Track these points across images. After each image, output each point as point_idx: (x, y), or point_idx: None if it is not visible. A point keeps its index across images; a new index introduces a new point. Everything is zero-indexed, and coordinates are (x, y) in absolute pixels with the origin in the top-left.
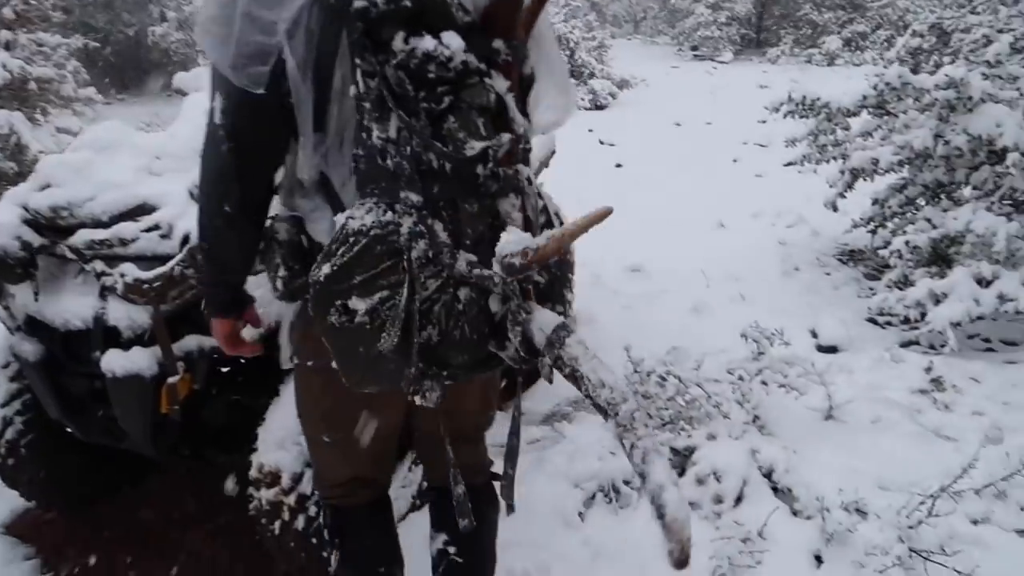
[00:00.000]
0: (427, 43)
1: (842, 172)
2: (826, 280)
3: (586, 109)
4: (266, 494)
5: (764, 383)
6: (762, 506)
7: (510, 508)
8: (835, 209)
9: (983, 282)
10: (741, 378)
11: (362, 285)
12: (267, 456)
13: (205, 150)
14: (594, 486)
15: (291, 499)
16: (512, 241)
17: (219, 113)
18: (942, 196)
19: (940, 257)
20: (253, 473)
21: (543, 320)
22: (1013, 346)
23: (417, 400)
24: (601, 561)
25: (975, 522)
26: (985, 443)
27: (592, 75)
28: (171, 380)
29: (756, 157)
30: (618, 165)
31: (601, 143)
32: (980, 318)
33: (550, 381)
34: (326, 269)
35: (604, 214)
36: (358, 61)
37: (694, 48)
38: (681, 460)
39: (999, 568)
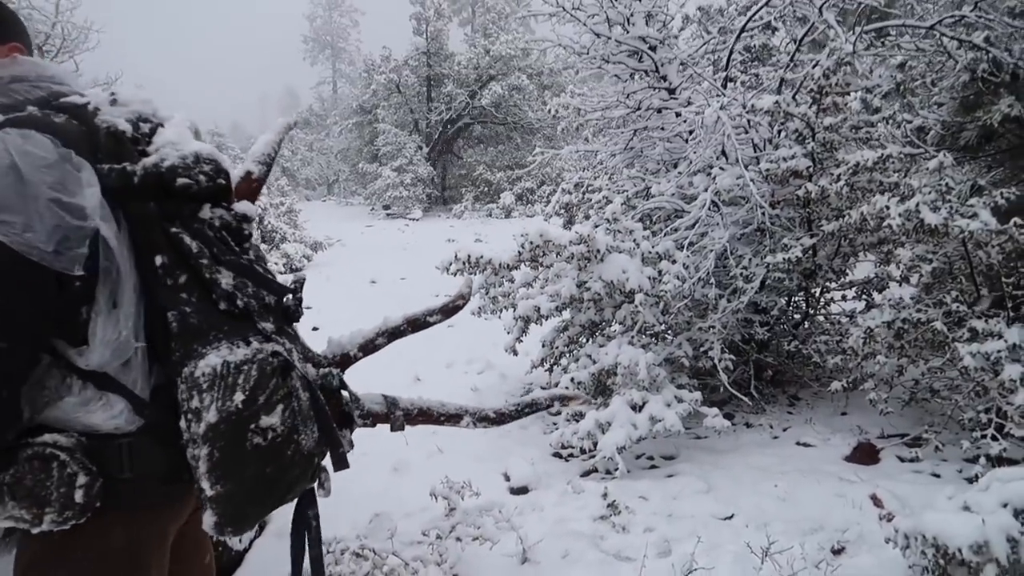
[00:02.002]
0: (224, 211)
1: (515, 320)
2: (516, 422)
3: (280, 274)
4: None
5: (459, 539)
6: None
7: None
8: (515, 353)
9: (636, 407)
10: (439, 536)
11: (265, 405)
12: None
13: None
14: None
15: None
16: (345, 338)
17: None
18: (597, 333)
19: (604, 388)
20: None
21: (370, 398)
22: (671, 460)
23: (329, 473)
24: None
25: None
26: (652, 559)
27: (284, 239)
28: None
29: None
30: (315, 328)
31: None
32: (642, 439)
33: (403, 428)
34: (239, 397)
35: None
36: (175, 229)
37: (386, 207)
38: None
39: None
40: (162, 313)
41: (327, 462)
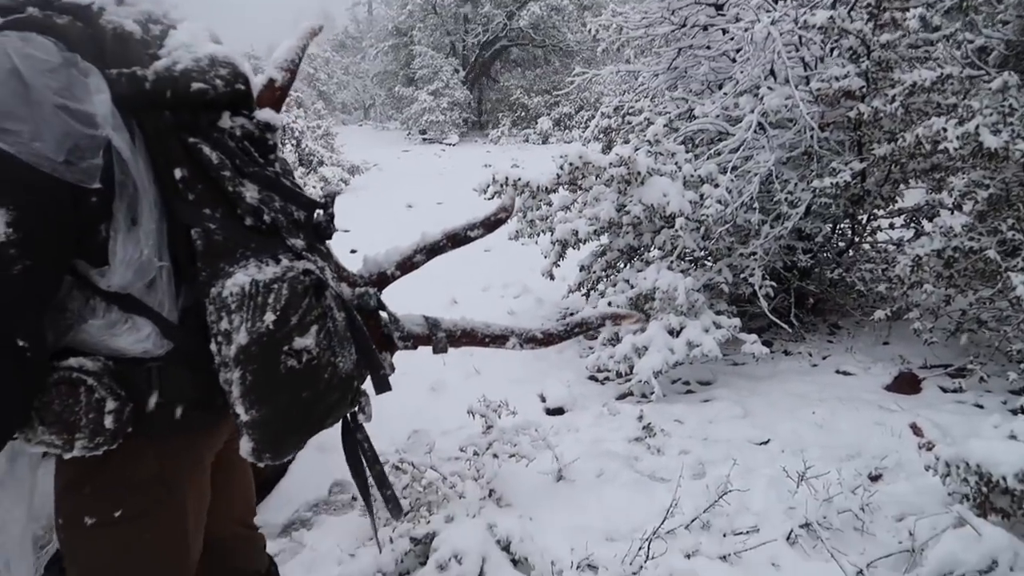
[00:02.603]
0: (245, 120)
1: (552, 244)
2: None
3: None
4: None
5: (496, 456)
6: None
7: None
8: (552, 278)
9: (674, 332)
10: (476, 453)
11: (298, 325)
12: None
13: None
14: None
15: None
16: (381, 256)
17: (1, 227)
18: (635, 258)
19: (641, 313)
20: None
21: (411, 319)
22: (707, 385)
23: (371, 397)
24: None
25: (688, 556)
26: (687, 480)
27: (321, 163)
28: None
29: None
30: (352, 251)
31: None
32: (679, 364)
33: (446, 350)
34: (270, 317)
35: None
36: (193, 139)
37: (423, 132)
38: (423, 548)
39: None
40: (185, 231)
41: (367, 386)
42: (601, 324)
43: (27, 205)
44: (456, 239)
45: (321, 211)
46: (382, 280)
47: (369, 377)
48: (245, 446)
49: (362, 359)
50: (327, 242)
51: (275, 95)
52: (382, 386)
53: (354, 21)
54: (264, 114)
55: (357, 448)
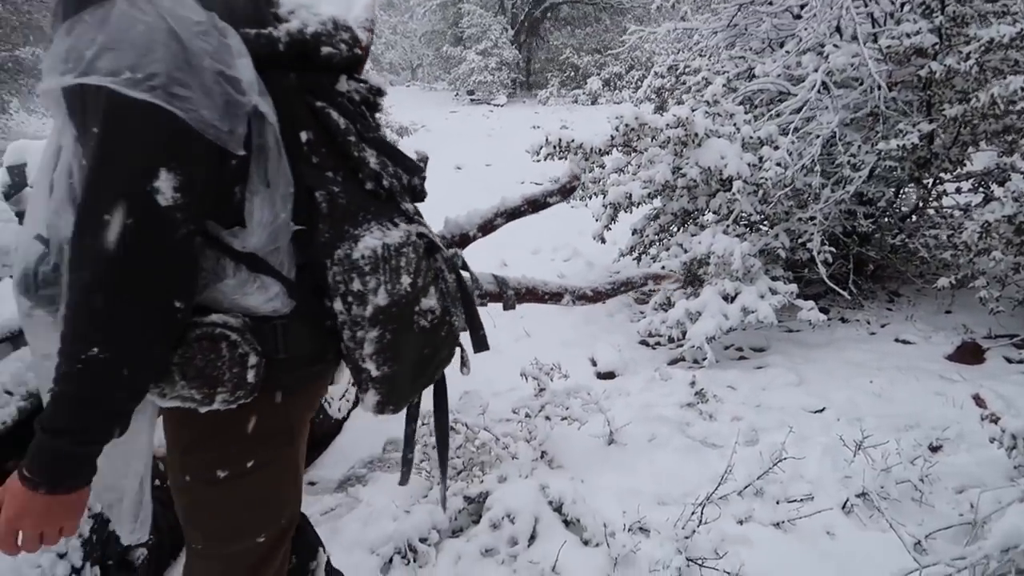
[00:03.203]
0: (358, 83)
1: (604, 207)
2: (602, 308)
3: None
4: None
5: (548, 418)
6: (554, 541)
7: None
8: (603, 241)
9: (728, 298)
10: (528, 415)
11: (423, 287)
12: None
13: (134, 245)
14: (390, 549)
15: None
16: (463, 219)
17: (170, 192)
18: (689, 222)
19: (694, 278)
20: None
21: (483, 277)
22: (761, 352)
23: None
24: None
25: (740, 522)
26: (740, 447)
27: None
28: None
29: None
30: None
31: None
32: (732, 330)
33: (514, 307)
34: (406, 280)
35: None
36: (320, 103)
37: (470, 93)
38: (476, 507)
39: (761, 562)
40: (309, 193)
41: (465, 342)
42: (644, 283)
43: (194, 172)
44: (535, 204)
45: (417, 175)
46: (464, 241)
47: (469, 334)
48: (370, 399)
49: (467, 317)
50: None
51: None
52: (482, 344)
53: None
54: (374, 78)
55: (444, 400)
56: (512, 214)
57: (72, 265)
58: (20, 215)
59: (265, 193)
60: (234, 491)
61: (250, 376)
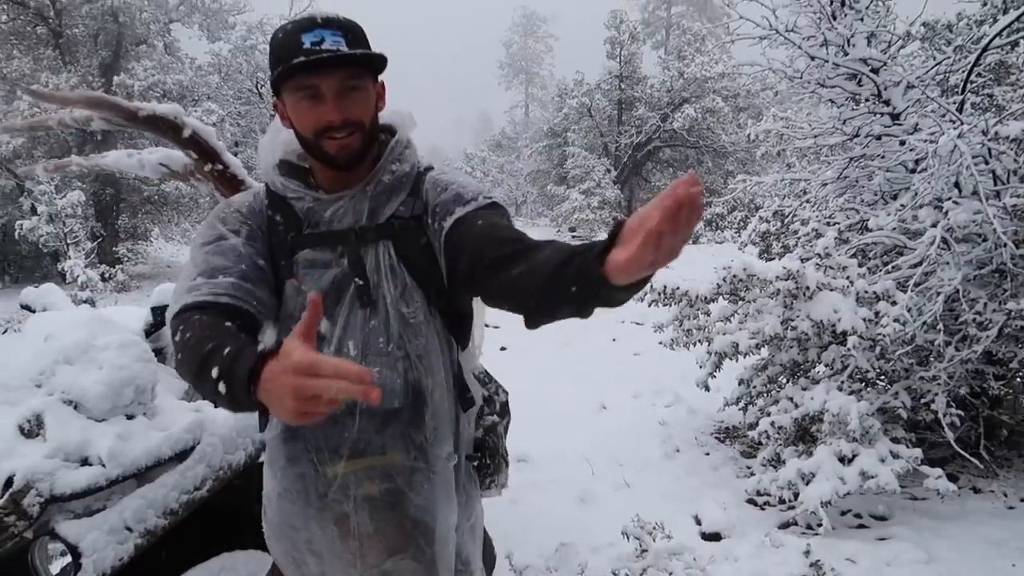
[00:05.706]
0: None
1: (709, 354)
2: (706, 460)
3: None
4: None
5: None
6: None
7: None
8: (707, 389)
9: (845, 460)
10: None
11: None
12: None
13: None
14: None
15: None
16: None
17: None
18: (799, 375)
19: (806, 434)
20: None
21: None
22: (883, 521)
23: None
24: None
25: None
26: None
27: None
28: None
29: (633, 335)
30: (503, 348)
31: (487, 325)
32: (848, 494)
33: None
34: None
35: None
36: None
37: (572, 230)
38: None
39: None
40: None
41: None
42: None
43: None
44: None
45: None
46: None
47: None
48: None
49: None
50: None
51: None
52: None
53: (511, 123)
54: None
55: None
56: None
57: None
58: (157, 352)
59: None
60: None
61: None
